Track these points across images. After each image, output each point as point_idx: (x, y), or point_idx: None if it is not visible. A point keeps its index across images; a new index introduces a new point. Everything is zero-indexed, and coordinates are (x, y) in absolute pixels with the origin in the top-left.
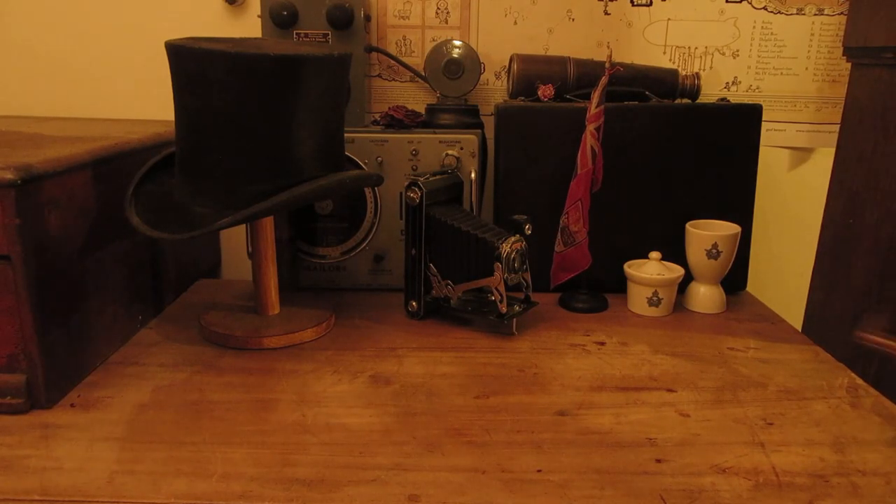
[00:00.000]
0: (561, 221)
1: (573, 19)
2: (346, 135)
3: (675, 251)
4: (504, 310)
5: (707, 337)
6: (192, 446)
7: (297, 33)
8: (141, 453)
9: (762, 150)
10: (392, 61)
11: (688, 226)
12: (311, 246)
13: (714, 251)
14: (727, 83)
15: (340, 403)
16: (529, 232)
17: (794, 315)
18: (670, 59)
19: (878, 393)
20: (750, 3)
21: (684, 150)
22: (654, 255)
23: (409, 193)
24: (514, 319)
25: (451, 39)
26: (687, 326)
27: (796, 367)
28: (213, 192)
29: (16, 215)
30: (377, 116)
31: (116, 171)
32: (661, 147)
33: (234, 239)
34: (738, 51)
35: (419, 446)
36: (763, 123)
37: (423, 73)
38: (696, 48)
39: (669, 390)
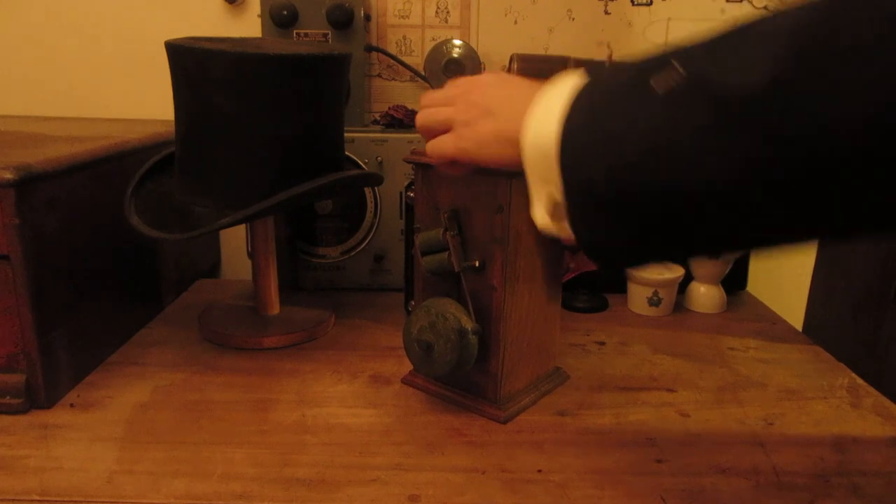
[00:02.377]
0: None
1: (573, 19)
2: (346, 135)
3: None
4: None
5: (707, 337)
6: (192, 446)
7: (297, 33)
8: (140, 453)
9: None
10: (392, 61)
11: None
12: (311, 246)
13: None
14: None
15: (340, 403)
16: None
17: (794, 315)
18: None
19: (878, 393)
20: (750, 3)
21: None
22: None
23: (409, 193)
24: None
25: (452, 39)
26: (687, 326)
27: (796, 367)
28: (213, 192)
29: (16, 215)
30: (377, 116)
31: (116, 171)
32: None
33: (234, 239)
34: None
35: (419, 446)
36: None
37: (423, 73)
38: None
39: (669, 390)
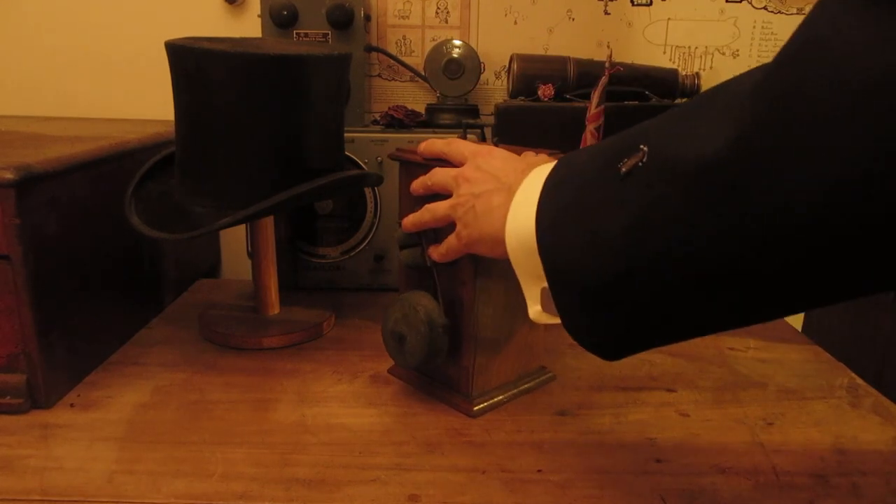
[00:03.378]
0: None
1: (573, 19)
2: (346, 135)
3: None
4: None
5: (707, 337)
6: (192, 446)
7: (297, 33)
8: (141, 453)
9: None
10: (392, 61)
11: None
12: (311, 246)
13: None
14: None
15: (340, 403)
16: None
17: (794, 315)
18: (670, 59)
19: (878, 393)
20: (750, 3)
21: None
22: None
23: None
24: None
25: (451, 39)
26: None
27: (796, 367)
28: (213, 192)
29: (16, 215)
30: (377, 116)
31: (116, 171)
32: None
33: (234, 239)
34: (738, 50)
35: (419, 446)
36: None
37: (423, 73)
38: (696, 48)
39: (669, 390)
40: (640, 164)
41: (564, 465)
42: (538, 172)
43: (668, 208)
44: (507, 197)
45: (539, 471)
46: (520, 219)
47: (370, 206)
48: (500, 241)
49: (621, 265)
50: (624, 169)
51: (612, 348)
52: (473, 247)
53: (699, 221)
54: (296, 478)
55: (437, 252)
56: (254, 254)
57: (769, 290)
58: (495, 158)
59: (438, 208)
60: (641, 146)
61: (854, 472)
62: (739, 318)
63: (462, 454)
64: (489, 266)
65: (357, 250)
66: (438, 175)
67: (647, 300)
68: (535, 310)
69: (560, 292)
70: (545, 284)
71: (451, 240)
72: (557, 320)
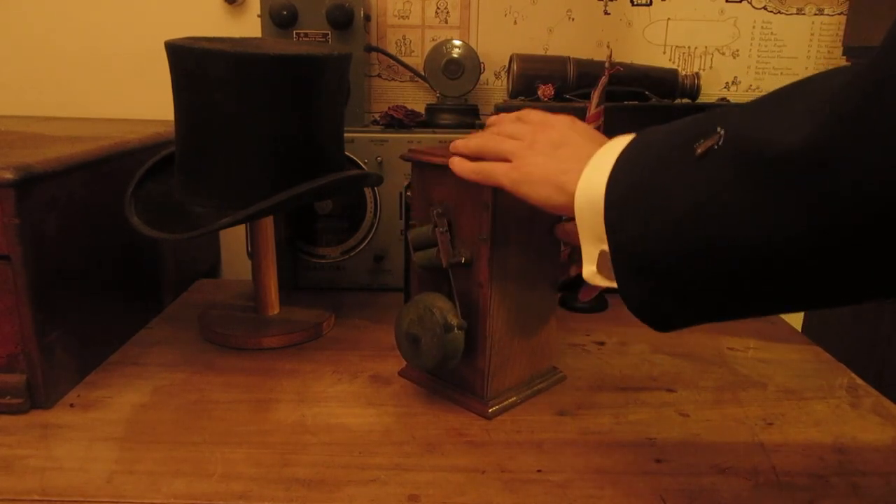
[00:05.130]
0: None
1: (573, 19)
2: (346, 135)
3: None
4: None
5: (707, 337)
6: (191, 446)
7: (297, 33)
8: (140, 453)
9: None
10: (392, 61)
11: None
12: (311, 246)
13: None
14: (727, 83)
15: (340, 403)
16: None
17: (794, 315)
18: (670, 59)
19: (878, 393)
20: (750, 3)
21: None
22: None
23: (408, 193)
24: None
25: (451, 39)
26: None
27: (796, 367)
28: (213, 193)
29: (16, 215)
30: (377, 116)
31: (116, 171)
32: None
33: (234, 239)
34: (737, 50)
35: (419, 446)
36: None
37: (423, 73)
38: (696, 48)
39: (669, 390)
40: (717, 146)
41: (564, 465)
42: (614, 142)
43: (739, 191)
44: (590, 149)
45: (539, 471)
46: (592, 178)
47: (370, 206)
48: (562, 190)
49: (685, 243)
50: (700, 150)
51: (663, 320)
52: (527, 185)
53: (771, 206)
54: (296, 478)
55: (475, 173)
56: (254, 254)
57: (835, 277)
58: (556, 129)
59: (505, 142)
60: (719, 129)
61: (854, 472)
62: (795, 303)
63: (462, 454)
64: (505, 267)
65: (357, 250)
66: (506, 122)
67: (707, 278)
68: (590, 269)
69: (620, 260)
70: (605, 247)
71: (498, 170)
72: (610, 283)
